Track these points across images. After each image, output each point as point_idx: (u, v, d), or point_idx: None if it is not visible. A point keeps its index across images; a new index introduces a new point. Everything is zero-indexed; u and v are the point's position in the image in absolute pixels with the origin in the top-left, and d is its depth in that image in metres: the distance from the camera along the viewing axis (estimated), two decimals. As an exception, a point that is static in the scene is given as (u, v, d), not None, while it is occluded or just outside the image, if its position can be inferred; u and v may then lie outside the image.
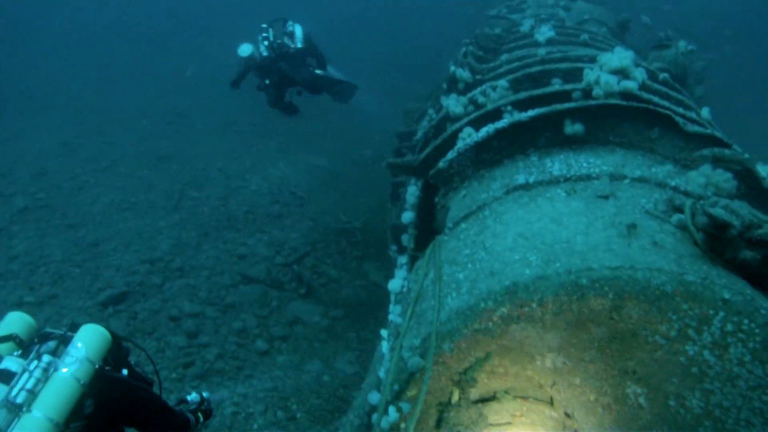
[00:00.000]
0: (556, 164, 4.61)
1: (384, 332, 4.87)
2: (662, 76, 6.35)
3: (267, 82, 11.34)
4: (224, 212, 12.24)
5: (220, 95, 18.16)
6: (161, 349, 7.96)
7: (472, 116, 5.76)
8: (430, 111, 8.76)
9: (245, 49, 11.05)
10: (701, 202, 3.83)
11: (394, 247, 7.98)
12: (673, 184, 4.28)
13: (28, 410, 2.79)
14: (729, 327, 3.30)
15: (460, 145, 5.12)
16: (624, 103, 4.75)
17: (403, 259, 5.90)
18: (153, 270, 10.00)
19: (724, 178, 4.54)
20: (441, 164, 5.17)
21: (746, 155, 4.72)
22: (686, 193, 4.23)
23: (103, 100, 19.74)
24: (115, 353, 3.37)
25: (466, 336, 3.55)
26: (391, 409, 3.74)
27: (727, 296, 3.29)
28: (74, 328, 3.24)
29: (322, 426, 7.03)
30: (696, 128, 4.73)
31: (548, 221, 3.90)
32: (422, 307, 4.01)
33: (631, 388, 3.55)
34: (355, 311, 9.32)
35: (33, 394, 2.83)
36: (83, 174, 13.84)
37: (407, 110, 12.78)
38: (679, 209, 3.85)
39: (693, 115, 5.59)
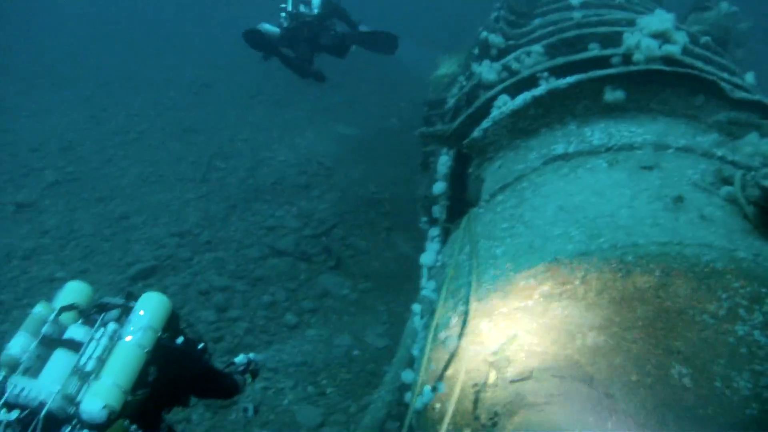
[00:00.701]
0: (596, 133, 4.41)
1: (416, 307, 4.75)
2: (704, 39, 6.07)
3: (293, 54, 11.15)
4: (252, 184, 12.16)
5: (245, 65, 18.02)
6: (191, 324, 7.93)
7: (507, 83, 5.56)
8: (461, 78, 8.56)
9: (264, 28, 10.88)
10: (752, 173, 3.63)
11: (424, 219, 7.82)
12: (719, 153, 4.07)
13: (97, 377, 2.89)
14: (783, 306, 3.14)
15: (495, 113, 4.94)
16: (667, 68, 4.53)
17: (435, 232, 5.77)
18: (182, 243, 9.98)
19: (772, 147, 4.34)
20: (476, 133, 4.99)
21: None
22: (734, 164, 4.02)
23: (128, 71, 19.75)
24: (172, 322, 3.44)
25: (505, 314, 3.42)
26: (426, 389, 3.64)
27: (782, 273, 3.12)
28: (132, 297, 3.36)
29: (352, 401, 6.96)
30: (742, 94, 4.51)
31: (590, 193, 3.72)
32: (458, 284, 3.87)
33: (675, 369, 3.40)
34: (384, 283, 9.20)
35: (101, 361, 2.95)
36: (111, 147, 13.88)
37: (436, 77, 12.54)
38: (727, 181, 3.65)
39: (737, 80, 5.36)
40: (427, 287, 4.49)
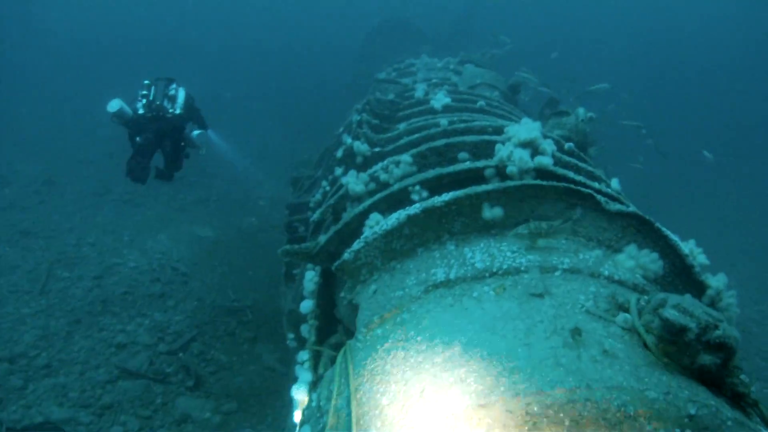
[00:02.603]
0: (478, 254, 4.15)
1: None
2: (567, 145, 6.12)
3: (138, 139, 10.60)
4: (99, 294, 11.14)
5: (93, 159, 17.04)
6: None
7: (377, 198, 5.28)
8: (324, 183, 8.27)
9: (114, 105, 10.29)
10: (645, 297, 3.45)
11: (291, 336, 7.33)
12: (606, 273, 3.90)
13: None
14: (696, 446, 2.89)
15: (367, 233, 4.59)
16: (545, 183, 4.38)
17: (304, 356, 5.32)
18: (13, 369, 8.84)
19: (650, 259, 4.26)
20: (347, 255, 4.61)
21: (670, 234, 4.47)
22: (621, 283, 3.86)
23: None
24: None
25: (398, 479, 2.97)
26: None
27: (692, 411, 2.88)
28: None
29: None
30: (618, 207, 4.42)
31: (480, 329, 3.40)
32: (340, 437, 3.39)
33: None
34: (249, 402, 8.52)
35: None
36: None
37: (296, 178, 12.27)
38: (622, 307, 3.45)
39: (604, 187, 5.36)
40: (303, 433, 3.97)
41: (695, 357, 3.09)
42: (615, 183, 5.68)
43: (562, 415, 2.82)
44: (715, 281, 4.41)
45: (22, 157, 19.15)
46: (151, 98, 10.77)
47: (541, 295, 3.57)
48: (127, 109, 10.55)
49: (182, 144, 11.28)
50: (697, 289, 4.37)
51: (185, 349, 9.65)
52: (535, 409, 2.82)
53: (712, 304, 4.30)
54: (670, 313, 3.09)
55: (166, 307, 10.93)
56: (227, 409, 8.37)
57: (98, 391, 8.47)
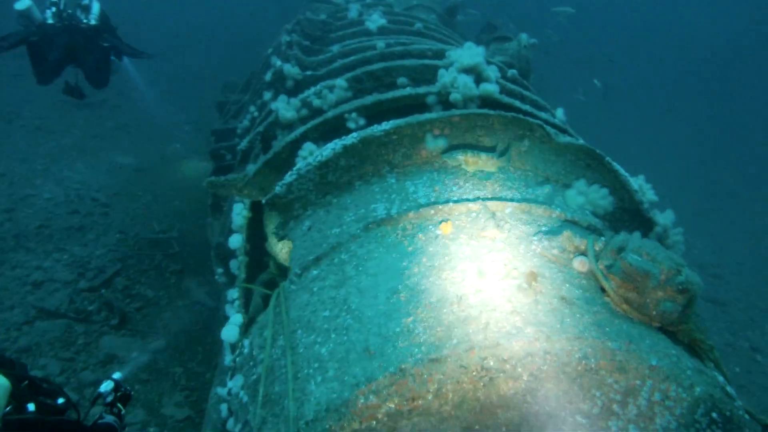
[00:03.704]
0: (421, 188, 3.85)
1: (220, 392, 3.96)
2: (510, 72, 5.82)
3: (50, 58, 9.83)
4: (11, 229, 10.31)
5: (-1, 80, 15.89)
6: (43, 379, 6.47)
7: (309, 125, 4.89)
8: (252, 108, 7.80)
9: (22, 3, 9.44)
10: (601, 239, 3.23)
11: (220, 270, 6.97)
12: (558, 211, 3.66)
13: None
14: (656, 396, 2.72)
15: (300, 165, 4.22)
16: (492, 112, 4.08)
17: (234, 293, 4.99)
18: None
19: (600, 195, 4.07)
20: (278, 188, 4.23)
21: (620, 168, 4.26)
22: (573, 222, 3.64)
23: None
24: (15, 390, 2.84)
25: (341, 439, 2.71)
26: None
27: (654, 362, 2.70)
28: None
29: (153, 494, 5.94)
30: (567, 139, 4.17)
31: (427, 271, 3.12)
32: (275, 391, 3.11)
33: (540, 472, 2.88)
34: (178, 339, 8.12)
35: None
36: None
37: (221, 102, 11.68)
38: (577, 248, 3.23)
39: (551, 118, 5.11)
40: (234, 383, 3.67)
41: (657, 303, 2.89)
42: (560, 113, 5.42)
43: (520, 369, 2.60)
44: (663, 218, 4.25)
45: None
46: (61, 7, 9.92)
47: (492, 234, 3.30)
48: (37, 13, 9.71)
49: (106, 56, 10.50)
50: (645, 226, 4.20)
51: (108, 285, 9.07)
52: (492, 363, 2.59)
53: (660, 241, 4.14)
54: (632, 258, 2.88)
55: (86, 241, 10.25)
56: (155, 347, 7.94)
57: (14, 333, 7.89)
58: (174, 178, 12.92)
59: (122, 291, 9.00)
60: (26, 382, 3.10)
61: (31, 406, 2.95)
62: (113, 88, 11.24)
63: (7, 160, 12.97)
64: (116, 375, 3.94)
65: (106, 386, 3.81)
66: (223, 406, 4.03)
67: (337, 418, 2.66)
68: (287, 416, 2.84)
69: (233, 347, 4.23)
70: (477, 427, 2.75)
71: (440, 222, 3.45)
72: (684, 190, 18.86)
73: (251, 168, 5.00)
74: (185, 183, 12.46)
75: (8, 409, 2.77)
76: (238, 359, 3.89)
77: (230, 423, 3.71)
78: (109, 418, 3.60)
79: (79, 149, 14.09)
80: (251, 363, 3.59)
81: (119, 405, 3.76)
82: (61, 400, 3.26)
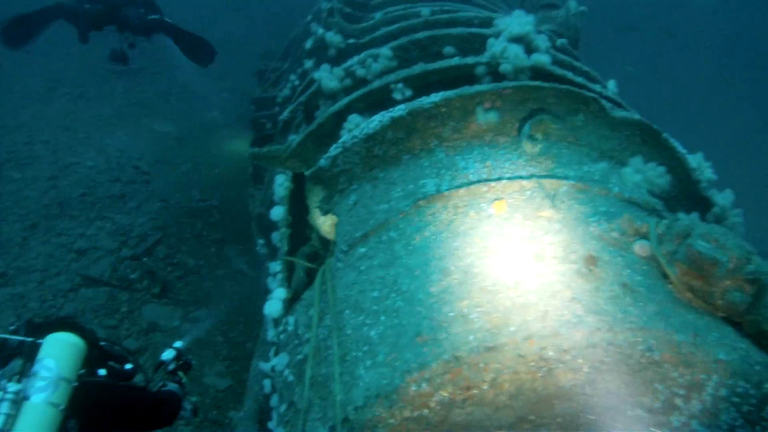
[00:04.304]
0: (471, 164, 3.70)
1: (263, 366, 3.92)
2: (560, 42, 5.61)
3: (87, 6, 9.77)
4: (55, 196, 10.31)
5: (40, 46, 15.86)
6: (112, 343, 6.59)
7: (354, 96, 4.75)
8: (292, 77, 7.68)
9: None
10: (664, 222, 3.07)
11: (261, 241, 6.92)
12: (616, 190, 3.50)
13: None
14: (722, 392, 2.59)
15: (346, 137, 4.09)
16: (546, 84, 3.90)
17: (276, 266, 4.92)
18: (-35, 280, 8.29)
19: (657, 173, 3.89)
20: (322, 162, 4.12)
21: (678, 145, 4.07)
22: (631, 201, 3.48)
23: None
24: (88, 354, 2.89)
25: (393, 426, 2.62)
26: None
27: (721, 356, 2.56)
28: (35, 331, 2.79)
29: (197, 460, 5.97)
30: (623, 114, 3.97)
31: (480, 253, 2.99)
32: (321, 372, 3.04)
33: (594, 464, 2.78)
34: (220, 309, 8.12)
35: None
36: None
37: (261, 70, 11.56)
38: (638, 231, 3.07)
39: (605, 91, 4.91)
40: (279, 361, 3.61)
41: (724, 293, 2.74)
42: (612, 86, 5.21)
43: (580, 361, 2.48)
44: (722, 198, 4.05)
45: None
46: None
47: (548, 215, 3.16)
48: None
49: (152, 16, 10.37)
50: (703, 205, 4.01)
51: (150, 254, 9.08)
52: (551, 353, 2.47)
53: (717, 222, 3.95)
54: (700, 245, 2.72)
55: (127, 209, 10.23)
56: (196, 316, 7.98)
57: (60, 300, 7.95)
58: (214, 146, 12.83)
59: (164, 259, 9.00)
60: (96, 347, 3.14)
61: (102, 371, 3.02)
62: (152, 56, 11.11)
63: (50, 128, 12.99)
64: (177, 344, 4.02)
65: (168, 354, 3.89)
66: (266, 382, 3.99)
67: (388, 405, 2.58)
68: (334, 400, 2.76)
69: (276, 322, 4.17)
70: (532, 417, 2.65)
71: (493, 200, 3.32)
72: (743, 168, 18.23)
73: (294, 139, 4.90)
74: (225, 151, 12.37)
75: (81, 372, 2.79)
76: (282, 336, 3.83)
77: (274, 400, 3.66)
78: (172, 386, 3.65)
79: (119, 117, 14.03)
80: (296, 342, 3.53)
81: (180, 373, 3.82)
82: (128, 366, 3.31)
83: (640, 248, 2.97)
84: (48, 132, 12.62)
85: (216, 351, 7.37)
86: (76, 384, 2.64)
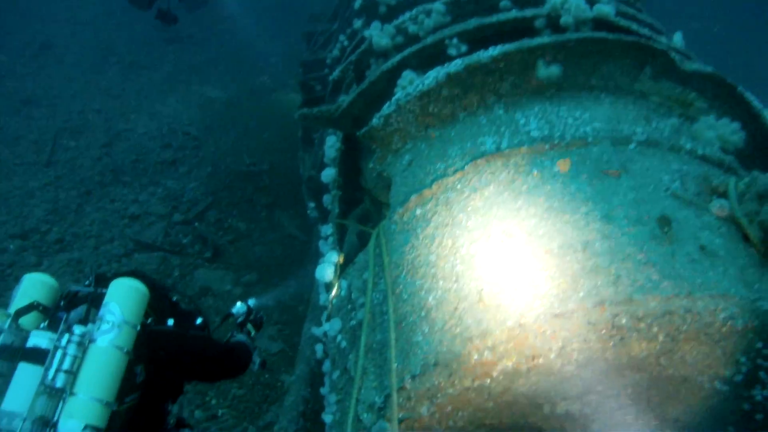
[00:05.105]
0: (533, 121, 3.51)
1: (315, 331, 3.83)
2: (621, -9, 5.30)
3: None
4: (108, 163, 10.50)
5: (91, 19, 16.00)
6: (184, 295, 6.79)
7: (406, 52, 4.56)
8: (341, 37, 7.50)
9: None
10: (744, 181, 2.85)
11: (312, 204, 6.85)
12: (688, 147, 3.28)
13: (72, 393, 2.40)
14: (811, 363, 2.40)
15: (399, 95, 3.92)
16: (611, 36, 3.67)
17: (328, 230, 4.84)
18: (26, 246, 8.41)
19: (731, 129, 3.63)
20: (375, 120, 3.96)
21: (754, 99, 3.80)
22: (705, 159, 3.26)
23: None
24: (155, 303, 2.93)
25: (452, 395, 2.50)
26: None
27: (811, 323, 2.37)
28: (102, 281, 2.83)
29: (249, 422, 5.98)
30: (694, 66, 3.72)
31: (545, 214, 2.82)
32: (377, 338, 2.92)
33: (668, 438, 2.63)
34: (271, 273, 8.11)
35: (72, 374, 2.42)
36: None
37: (309, 32, 11.37)
38: (715, 190, 2.86)
39: (671, 43, 4.63)
40: (331, 326, 3.52)
41: (813, 255, 2.53)
42: (678, 38, 4.90)
43: (656, 329, 2.31)
44: (801, 158, 3.79)
45: (13, 20, 17.83)
46: None
47: (616, 173, 2.97)
48: None
49: None
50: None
51: (201, 219, 9.15)
52: (624, 321, 2.31)
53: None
54: (789, 205, 2.51)
55: (178, 175, 10.33)
56: (248, 280, 7.97)
57: (114, 265, 8.10)
58: (263, 110, 12.79)
59: (215, 224, 9.05)
60: (165, 298, 3.23)
61: (170, 321, 3.08)
62: (200, 22, 11.11)
63: (103, 96, 13.15)
64: (251, 301, 4.04)
65: (239, 308, 3.93)
66: (319, 347, 3.92)
67: (447, 374, 2.46)
68: (390, 368, 2.64)
69: (328, 286, 4.08)
70: (600, 388, 2.50)
71: (557, 158, 3.14)
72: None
73: (344, 99, 4.75)
74: (275, 116, 12.32)
75: (149, 321, 2.85)
76: (335, 301, 3.74)
77: (326, 365, 3.58)
78: (241, 337, 3.67)
79: (170, 84, 14.14)
80: (349, 306, 3.42)
81: (249, 326, 3.84)
82: (199, 320, 3.41)
83: (719, 208, 2.77)
84: (100, 100, 12.78)
85: (268, 314, 7.36)
86: (139, 329, 2.65)
